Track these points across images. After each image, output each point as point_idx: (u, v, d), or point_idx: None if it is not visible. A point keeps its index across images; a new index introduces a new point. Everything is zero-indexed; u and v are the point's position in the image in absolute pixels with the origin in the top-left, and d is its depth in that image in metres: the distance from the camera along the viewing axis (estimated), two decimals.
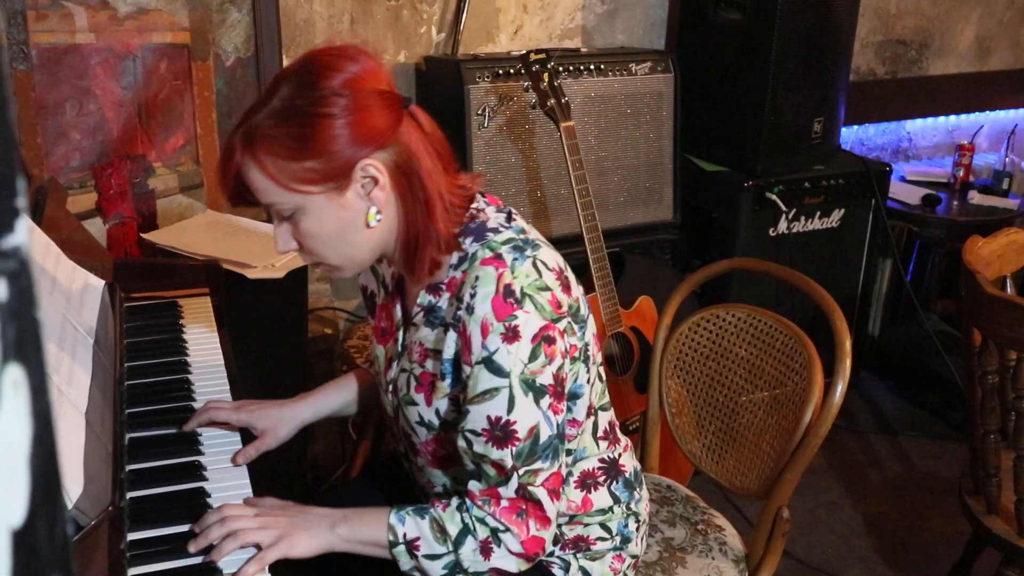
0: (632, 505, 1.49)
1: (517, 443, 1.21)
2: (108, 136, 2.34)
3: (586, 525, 1.44)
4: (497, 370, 1.19)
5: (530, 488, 1.24)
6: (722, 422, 1.85)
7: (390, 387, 1.40)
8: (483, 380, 1.20)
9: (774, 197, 2.87)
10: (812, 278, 1.79)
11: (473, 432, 1.22)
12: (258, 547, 1.20)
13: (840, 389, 1.61)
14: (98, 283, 1.57)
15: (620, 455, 1.48)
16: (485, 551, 1.24)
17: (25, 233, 0.34)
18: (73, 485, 1.04)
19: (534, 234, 1.29)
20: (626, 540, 1.47)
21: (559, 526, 1.42)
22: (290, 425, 1.47)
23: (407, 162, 1.21)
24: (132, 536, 1.20)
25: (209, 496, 1.30)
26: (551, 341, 1.20)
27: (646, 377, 1.98)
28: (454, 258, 1.26)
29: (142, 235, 2.27)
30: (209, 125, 2.47)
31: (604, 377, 1.44)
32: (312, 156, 1.15)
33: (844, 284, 3.15)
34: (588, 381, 1.34)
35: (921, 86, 3.81)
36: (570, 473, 1.41)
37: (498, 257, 1.21)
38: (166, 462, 1.37)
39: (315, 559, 1.26)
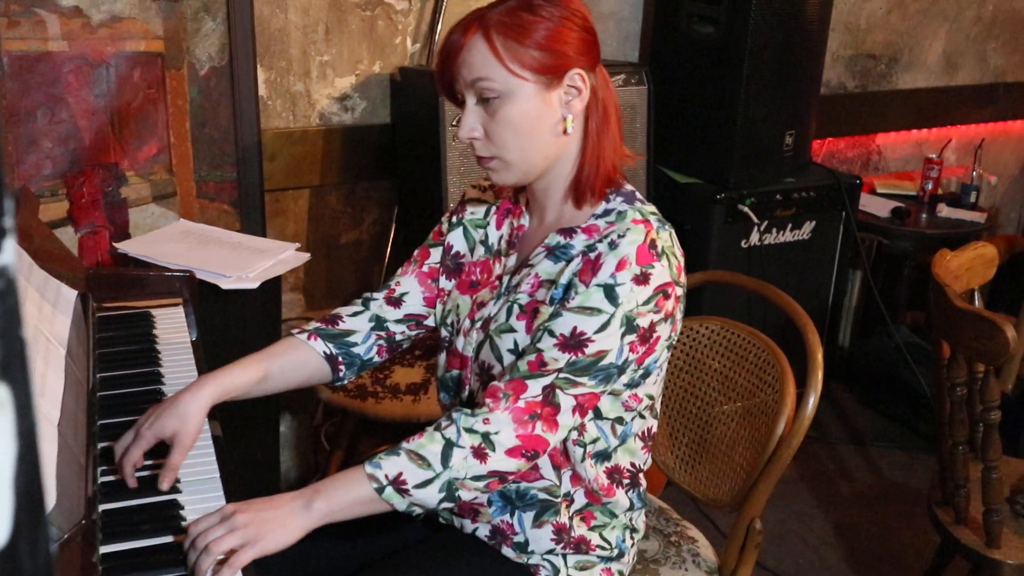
0: (634, 519, 1.49)
1: (580, 355, 1.25)
2: (80, 144, 2.33)
3: (592, 527, 1.43)
4: (613, 298, 1.25)
5: (558, 391, 1.25)
6: (695, 434, 1.86)
7: (478, 324, 1.41)
8: (593, 298, 1.26)
9: (746, 209, 2.89)
10: (783, 289, 1.80)
11: (550, 332, 1.27)
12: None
13: (812, 401, 1.62)
14: (71, 293, 1.55)
15: (644, 465, 1.49)
16: (479, 455, 1.22)
17: (12, 253, 0.34)
18: (46, 498, 1.03)
19: None
20: (621, 554, 1.47)
21: (571, 517, 1.41)
22: (196, 416, 1.33)
23: (600, 93, 1.34)
24: (104, 549, 1.19)
25: (182, 508, 1.29)
26: (667, 296, 1.29)
27: None
28: (599, 208, 1.35)
29: (114, 244, 2.26)
30: (182, 134, 2.46)
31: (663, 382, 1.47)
32: (539, 47, 1.27)
33: (815, 295, 3.17)
34: (659, 366, 1.38)
35: (890, 100, 3.86)
36: (607, 457, 1.41)
37: (647, 221, 1.30)
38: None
39: (313, 561, 1.23)
